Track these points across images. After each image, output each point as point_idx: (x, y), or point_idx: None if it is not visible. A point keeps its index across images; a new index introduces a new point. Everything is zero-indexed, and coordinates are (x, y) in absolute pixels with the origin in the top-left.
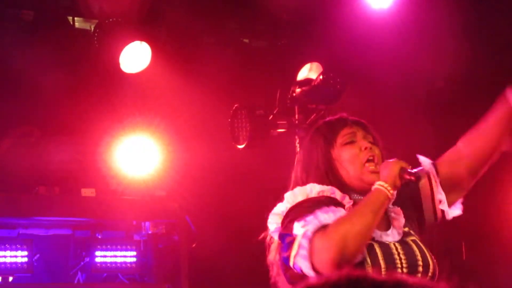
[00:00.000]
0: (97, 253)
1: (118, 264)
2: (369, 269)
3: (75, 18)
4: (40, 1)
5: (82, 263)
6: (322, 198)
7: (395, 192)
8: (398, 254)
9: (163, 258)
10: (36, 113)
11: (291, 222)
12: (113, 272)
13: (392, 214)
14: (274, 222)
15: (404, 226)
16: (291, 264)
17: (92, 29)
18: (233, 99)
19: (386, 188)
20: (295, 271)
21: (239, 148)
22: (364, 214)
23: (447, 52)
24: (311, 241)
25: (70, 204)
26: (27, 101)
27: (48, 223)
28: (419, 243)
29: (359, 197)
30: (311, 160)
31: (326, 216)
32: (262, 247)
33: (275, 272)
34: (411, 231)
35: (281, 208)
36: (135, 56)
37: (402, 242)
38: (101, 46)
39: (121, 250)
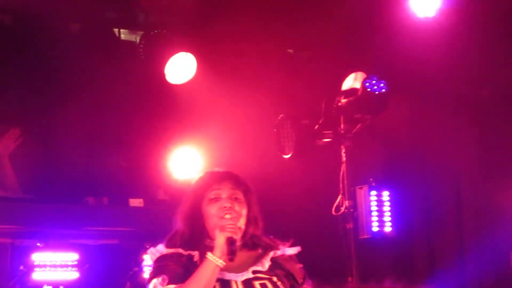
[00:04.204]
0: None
1: None
2: None
3: (121, 30)
4: (86, 14)
5: (130, 273)
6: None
7: (224, 260)
8: None
9: None
10: (84, 124)
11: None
12: None
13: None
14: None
15: (260, 272)
16: None
17: (138, 40)
18: (278, 110)
19: (214, 258)
20: None
21: (285, 158)
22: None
23: (493, 59)
24: None
25: (118, 214)
26: (75, 112)
27: (96, 233)
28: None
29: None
30: (183, 210)
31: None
32: (315, 253)
33: None
34: (268, 277)
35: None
36: (181, 67)
37: (247, 282)
38: (147, 58)
39: None
